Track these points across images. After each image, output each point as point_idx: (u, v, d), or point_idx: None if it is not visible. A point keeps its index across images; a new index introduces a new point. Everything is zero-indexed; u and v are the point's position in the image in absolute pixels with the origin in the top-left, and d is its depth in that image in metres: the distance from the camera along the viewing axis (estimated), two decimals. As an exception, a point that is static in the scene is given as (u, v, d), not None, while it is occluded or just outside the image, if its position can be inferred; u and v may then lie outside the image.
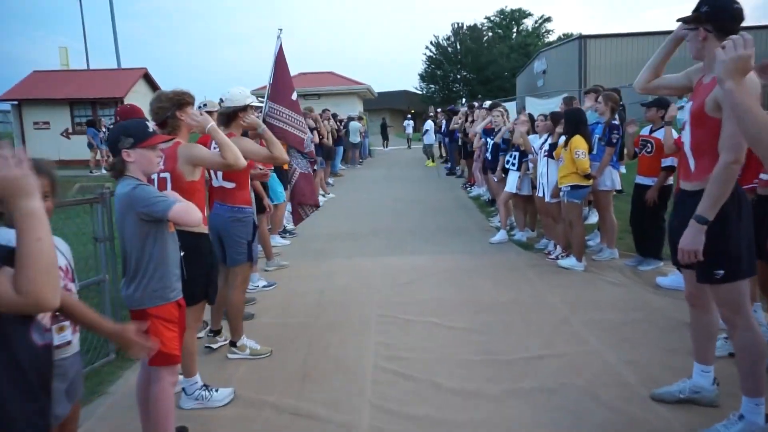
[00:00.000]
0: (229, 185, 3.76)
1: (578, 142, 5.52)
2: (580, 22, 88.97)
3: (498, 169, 7.66)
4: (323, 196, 11.60)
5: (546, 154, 6.13)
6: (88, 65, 27.65)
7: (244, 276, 3.85)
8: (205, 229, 3.14)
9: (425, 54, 51.88)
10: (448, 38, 51.04)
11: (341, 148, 15.98)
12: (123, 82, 20.07)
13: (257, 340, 4.02)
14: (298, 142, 5.84)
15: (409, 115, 25.40)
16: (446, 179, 14.40)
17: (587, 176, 5.56)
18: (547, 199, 6.11)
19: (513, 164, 7.00)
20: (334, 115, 15.44)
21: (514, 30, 57.01)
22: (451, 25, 53.48)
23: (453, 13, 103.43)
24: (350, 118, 19.18)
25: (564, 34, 47.18)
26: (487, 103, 9.30)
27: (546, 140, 6.27)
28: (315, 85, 23.63)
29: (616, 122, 5.90)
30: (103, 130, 17.06)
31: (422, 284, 5.44)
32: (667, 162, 5.33)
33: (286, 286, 5.56)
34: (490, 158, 8.06)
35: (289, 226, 8.50)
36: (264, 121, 5.80)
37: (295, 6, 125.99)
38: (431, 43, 51.46)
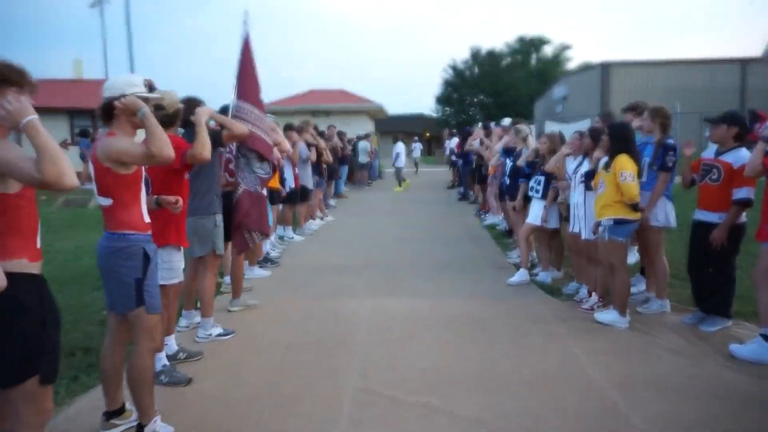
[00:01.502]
0: (106, 202, 2.66)
1: (625, 162, 4.32)
2: (599, 50, 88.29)
3: (519, 197, 6.48)
4: (321, 219, 10.47)
5: (582, 180, 4.93)
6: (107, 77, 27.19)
7: (148, 325, 2.70)
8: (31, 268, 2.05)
9: (442, 77, 51.32)
10: (466, 61, 50.39)
11: (345, 168, 14.91)
12: (126, 93, 19.30)
13: (182, 425, 2.84)
14: (266, 148, 4.75)
15: (416, 137, 24.04)
16: (458, 205, 13.21)
17: (635, 207, 4.35)
18: (584, 236, 4.89)
19: (537, 191, 5.81)
20: (341, 133, 14.41)
21: (533, 57, 56.26)
22: (470, 48, 52.82)
23: (471, 39, 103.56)
24: (359, 137, 18.20)
25: (584, 63, 46.26)
26: (506, 121, 8.17)
27: (581, 163, 5.08)
28: (324, 102, 22.78)
29: (671, 141, 4.71)
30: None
31: (419, 341, 4.22)
32: (741, 194, 4.11)
33: (246, 336, 4.37)
34: (508, 182, 6.88)
35: (273, 253, 7.36)
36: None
37: (309, 27, 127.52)
38: (449, 65, 50.88)
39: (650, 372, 3.59)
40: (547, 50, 56.63)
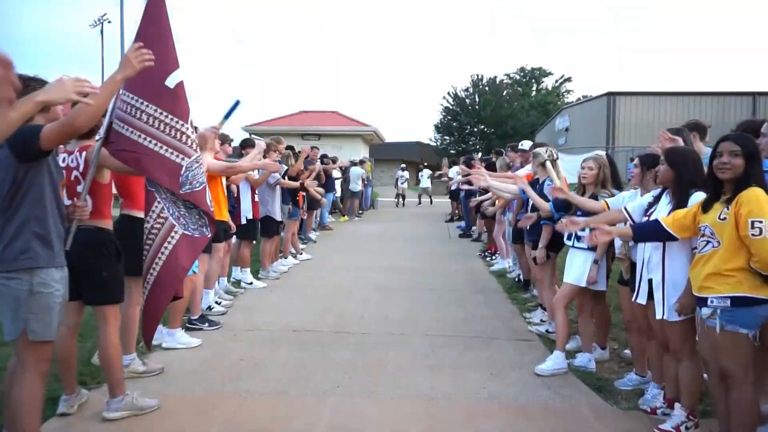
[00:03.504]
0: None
1: (762, 201, 2.59)
2: (601, 83, 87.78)
3: (541, 245, 4.75)
4: (294, 257, 8.67)
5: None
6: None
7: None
8: None
9: (441, 105, 50.14)
10: (467, 89, 49.34)
11: (330, 196, 13.17)
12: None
13: None
14: (167, 172, 2.99)
15: (403, 165, 21.38)
16: (459, 242, 11.43)
17: (768, 278, 2.60)
18: (663, 315, 3.11)
19: (580, 238, 4.06)
20: (325, 156, 12.73)
21: (534, 88, 55.49)
22: (471, 76, 51.78)
23: (472, 69, 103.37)
24: (352, 163, 16.54)
25: (583, 96, 45.17)
26: (526, 144, 6.50)
27: (657, 200, 3.35)
28: (316, 124, 21.18)
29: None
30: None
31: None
32: None
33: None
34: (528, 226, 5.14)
35: (218, 307, 5.55)
36: (109, 128, 3.01)
37: (308, 52, 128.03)
38: (449, 93, 49.79)
39: None
40: (548, 82, 56.02)
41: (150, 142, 2.89)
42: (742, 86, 62.09)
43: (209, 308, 5.47)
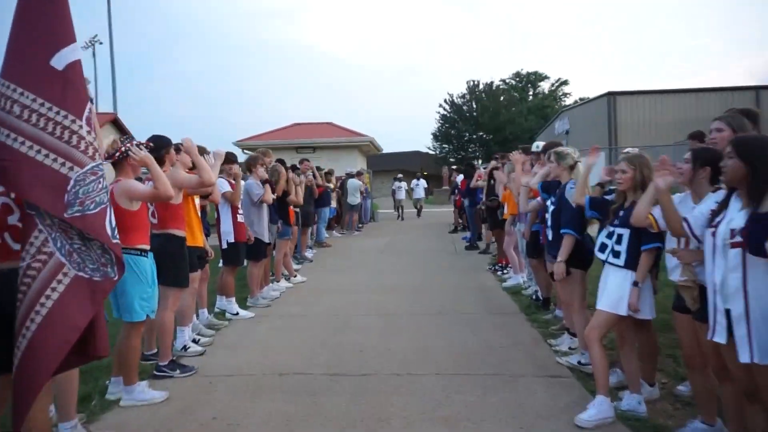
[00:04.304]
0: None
1: None
2: (597, 86, 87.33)
3: (561, 257, 4.03)
4: (287, 279, 7.93)
5: (732, 238, 2.44)
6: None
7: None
8: None
9: (438, 113, 49.59)
10: (463, 96, 48.82)
11: (326, 211, 12.45)
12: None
13: None
14: (47, 187, 2.20)
15: (400, 175, 20.34)
16: (466, 255, 10.67)
17: None
18: (751, 358, 2.36)
19: (618, 254, 3.32)
20: (320, 169, 12.03)
21: (530, 93, 54.99)
22: (467, 82, 51.19)
23: (467, 75, 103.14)
24: (349, 175, 15.84)
25: (580, 99, 44.56)
26: (539, 144, 5.78)
27: (724, 206, 2.61)
28: (310, 136, 20.48)
29: None
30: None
31: None
32: None
33: None
34: (551, 235, 4.41)
35: (194, 347, 4.80)
36: None
37: (299, 65, 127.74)
38: (445, 100, 49.27)
39: None
40: (544, 86, 55.48)
41: (23, 144, 2.11)
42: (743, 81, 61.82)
43: (185, 348, 4.73)
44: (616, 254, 3.28)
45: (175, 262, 4.10)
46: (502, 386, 3.86)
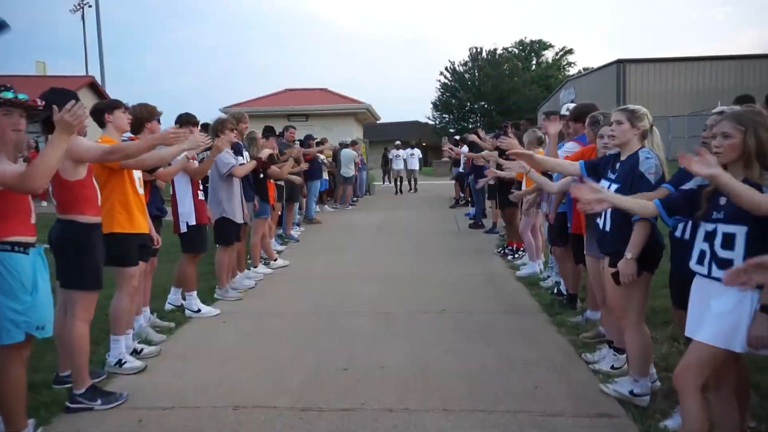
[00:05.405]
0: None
1: None
2: (603, 55, 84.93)
3: (629, 254, 2.93)
4: (265, 264, 6.89)
5: None
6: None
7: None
8: None
9: (439, 81, 47.83)
10: (465, 64, 47.01)
11: (317, 183, 11.33)
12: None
13: None
14: None
15: (398, 143, 18.77)
16: (470, 235, 9.61)
17: None
18: None
19: (724, 263, 2.24)
20: (309, 137, 10.87)
21: (534, 62, 53.11)
22: (469, 49, 49.23)
23: (469, 43, 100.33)
24: (342, 145, 14.66)
25: (584, 69, 42.77)
26: (569, 107, 4.64)
27: None
28: (303, 103, 19.16)
29: None
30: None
31: None
32: None
33: None
34: (604, 225, 3.31)
35: (131, 363, 3.76)
36: None
37: (297, 32, 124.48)
38: (446, 68, 47.47)
39: None
40: (548, 55, 53.52)
41: None
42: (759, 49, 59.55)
43: (119, 363, 3.70)
44: (724, 264, 2.20)
45: (78, 257, 3.03)
46: (530, 421, 2.83)
